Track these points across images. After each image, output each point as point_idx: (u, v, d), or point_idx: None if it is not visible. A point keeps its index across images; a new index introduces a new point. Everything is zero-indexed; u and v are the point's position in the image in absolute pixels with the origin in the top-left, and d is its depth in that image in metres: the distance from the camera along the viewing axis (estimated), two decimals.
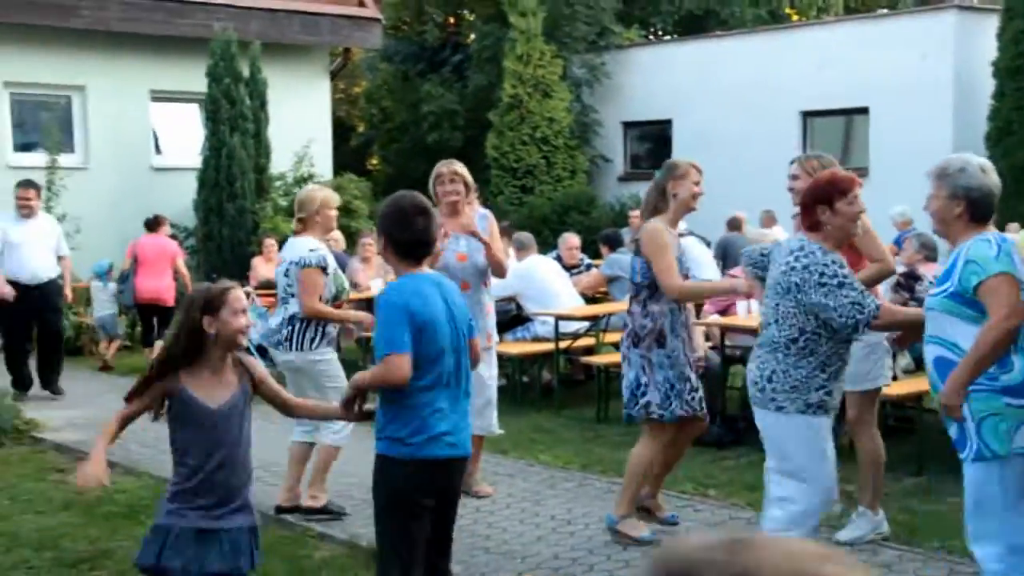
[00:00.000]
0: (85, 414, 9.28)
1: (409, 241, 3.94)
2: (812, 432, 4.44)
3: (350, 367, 6.27)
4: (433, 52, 22.35)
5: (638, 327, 5.69)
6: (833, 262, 4.31)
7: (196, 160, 14.77)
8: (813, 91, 17.20)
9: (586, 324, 9.67)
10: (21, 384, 10.02)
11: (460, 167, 6.43)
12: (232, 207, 14.31)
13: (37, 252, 9.85)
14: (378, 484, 3.95)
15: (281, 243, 13.39)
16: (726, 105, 17.94)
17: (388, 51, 22.12)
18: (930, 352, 4.16)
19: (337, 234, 12.89)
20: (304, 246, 6.07)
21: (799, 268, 4.33)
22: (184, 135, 15.77)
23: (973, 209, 4.05)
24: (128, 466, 7.44)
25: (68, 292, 10.41)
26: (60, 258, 10.15)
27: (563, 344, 9.40)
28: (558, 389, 9.41)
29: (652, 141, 20.37)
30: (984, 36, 15.51)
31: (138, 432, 8.52)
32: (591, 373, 9.69)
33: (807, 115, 17.70)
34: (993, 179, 4.10)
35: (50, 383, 10.12)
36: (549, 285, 9.64)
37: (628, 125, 20.25)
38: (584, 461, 7.42)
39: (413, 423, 3.86)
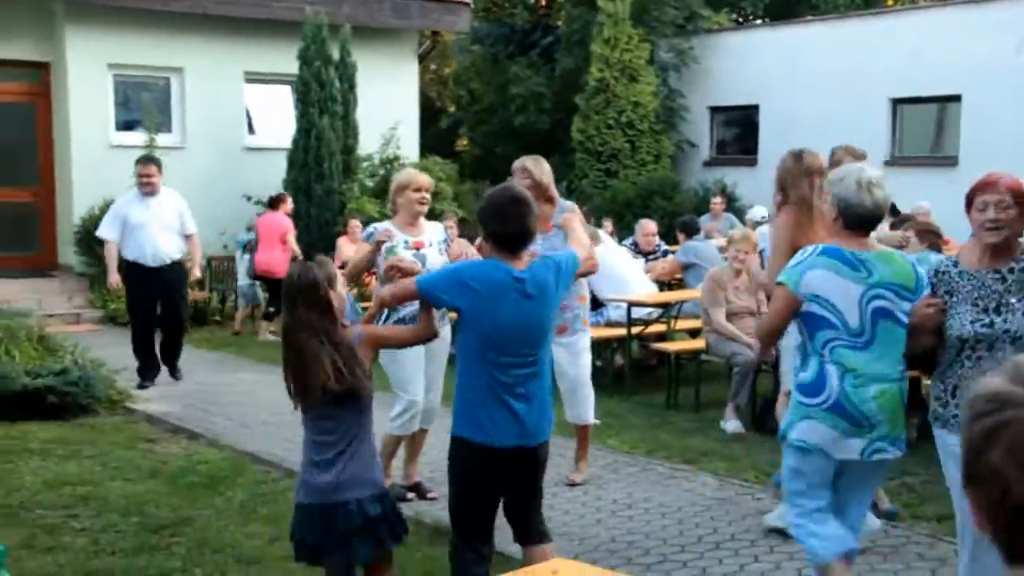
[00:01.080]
0: (176, 387, 9.71)
1: (502, 233, 4.11)
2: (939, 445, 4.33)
3: None
4: (523, 35, 22.49)
5: None
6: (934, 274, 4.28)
7: (287, 141, 15.16)
8: (904, 78, 16.94)
9: (658, 310, 9.77)
10: (148, 371, 9.71)
11: (531, 163, 6.32)
12: (320, 187, 14.67)
13: (160, 232, 9.43)
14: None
15: (366, 224, 13.78)
16: (815, 91, 17.77)
17: (478, 33, 22.31)
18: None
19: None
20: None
21: None
22: (276, 116, 16.19)
23: (845, 218, 4.21)
24: (211, 438, 7.80)
25: (196, 270, 10.14)
26: (187, 236, 9.72)
27: (635, 330, 9.53)
28: (629, 374, 9.55)
29: (739, 126, 20.26)
30: None
31: (224, 405, 8.96)
32: (663, 359, 9.81)
33: (897, 102, 17.46)
34: (872, 196, 4.14)
35: (172, 369, 9.95)
36: (621, 272, 9.75)
37: (715, 110, 20.16)
38: (650, 447, 7.56)
39: (469, 411, 4.16)
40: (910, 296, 4.19)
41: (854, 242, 4.20)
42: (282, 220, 12.80)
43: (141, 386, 9.53)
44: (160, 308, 9.72)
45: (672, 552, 5.50)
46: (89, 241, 14.21)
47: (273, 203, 13.06)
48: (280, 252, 12.42)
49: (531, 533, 4.38)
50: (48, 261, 15.20)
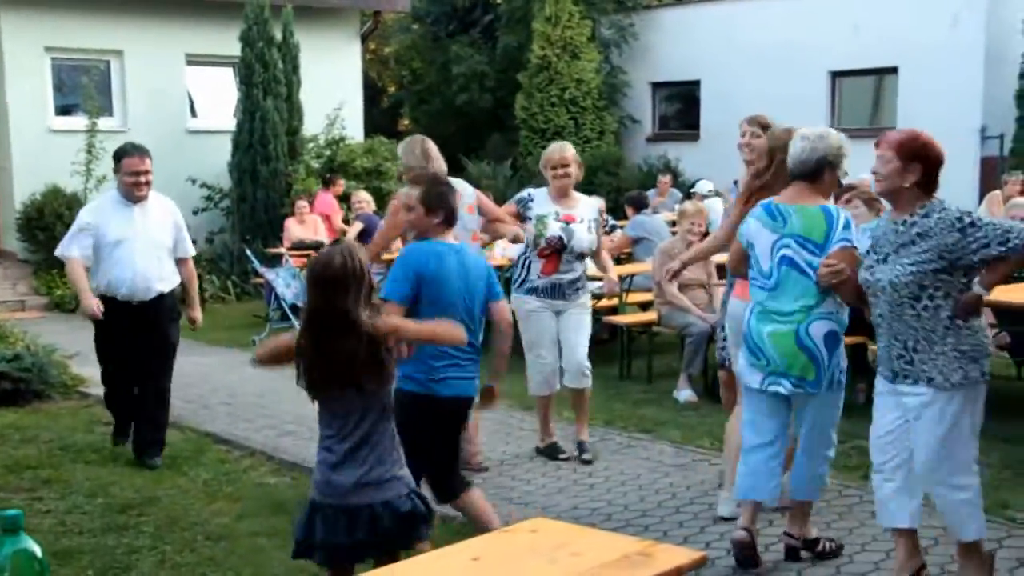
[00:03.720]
0: None
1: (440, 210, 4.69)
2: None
3: None
4: (464, 13, 22.45)
5: None
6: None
7: (230, 123, 15.06)
8: (842, 51, 17.24)
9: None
10: (125, 428, 6.97)
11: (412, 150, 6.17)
12: (265, 169, 14.61)
13: (148, 252, 6.50)
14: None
15: (312, 204, 13.79)
16: (755, 65, 18.01)
17: (419, 12, 22.25)
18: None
19: (365, 195, 13.20)
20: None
21: None
22: (219, 98, 16.06)
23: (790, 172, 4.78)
24: (171, 420, 7.76)
25: (197, 314, 6.98)
26: (180, 261, 6.79)
27: None
28: None
29: (681, 102, 20.48)
30: None
31: (180, 388, 8.89)
32: (615, 332, 9.94)
33: (836, 75, 17.75)
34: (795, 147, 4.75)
35: (145, 450, 6.69)
36: None
37: (656, 86, 20.35)
38: (606, 417, 7.70)
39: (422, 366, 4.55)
40: (815, 249, 4.54)
41: (787, 194, 4.74)
42: (328, 201, 13.60)
43: (118, 444, 7.01)
44: (137, 362, 6.70)
45: (633, 517, 5.63)
46: (31, 227, 14.04)
47: (326, 183, 14.06)
48: (325, 231, 13.12)
49: (461, 484, 4.76)
50: None
